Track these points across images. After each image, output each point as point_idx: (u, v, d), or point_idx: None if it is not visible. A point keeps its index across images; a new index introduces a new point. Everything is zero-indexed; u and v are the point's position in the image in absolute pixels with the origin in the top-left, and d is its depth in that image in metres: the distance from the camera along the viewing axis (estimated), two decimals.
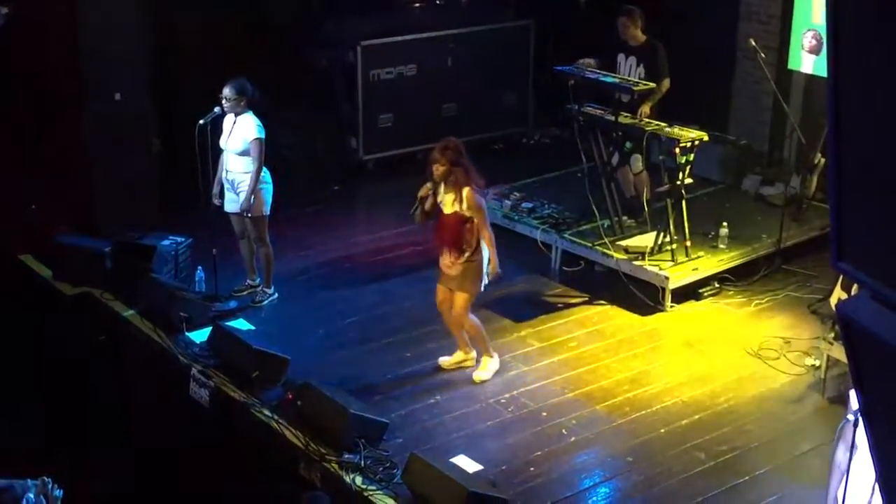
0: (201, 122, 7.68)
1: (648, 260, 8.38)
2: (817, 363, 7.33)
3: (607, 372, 7.43)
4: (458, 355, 7.40)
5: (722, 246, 8.76)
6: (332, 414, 6.46)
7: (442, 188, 6.95)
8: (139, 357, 7.71)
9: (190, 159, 7.81)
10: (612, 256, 8.51)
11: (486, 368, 7.28)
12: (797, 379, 7.40)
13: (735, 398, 7.16)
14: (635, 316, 8.21)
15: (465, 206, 6.86)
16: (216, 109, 7.77)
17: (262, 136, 7.76)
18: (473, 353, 7.36)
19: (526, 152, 11.79)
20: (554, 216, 9.24)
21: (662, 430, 6.79)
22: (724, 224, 8.81)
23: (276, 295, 8.29)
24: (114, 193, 9.04)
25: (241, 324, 7.82)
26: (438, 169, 6.89)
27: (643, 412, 6.98)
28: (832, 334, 7.03)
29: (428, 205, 6.99)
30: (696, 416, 6.94)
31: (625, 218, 9.03)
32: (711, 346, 7.81)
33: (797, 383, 7.36)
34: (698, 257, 8.55)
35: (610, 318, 8.21)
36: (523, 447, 6.57)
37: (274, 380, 7.02)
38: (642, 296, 8.31)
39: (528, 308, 8.25)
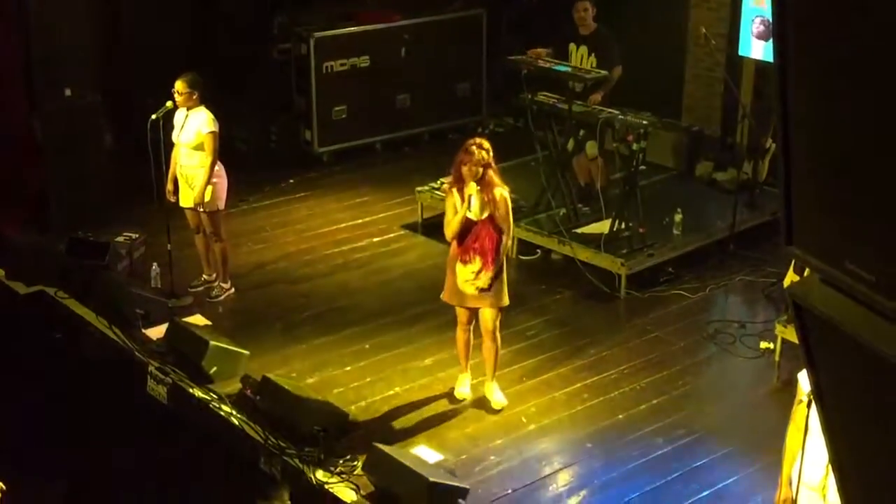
0: (153, 116, 7.62)
1: (604, 247, 8.42)
2: (771, 346, 7.41)
3: (565, 359, 7.47)
4: (466, 376, 6.94)
5: (676, 232, 8.82)
6: (291, 407, 6.44)
7: (470, 191, 6.38)
8: (95, 355, 7.64)
9: (143, 155, 7.75)
10: (568, 244, 8.54)
11: (498, 391, 6.86)
12: (752, 362, 7.48)
13: (692, 383, 7.22)
14: (592, 303, 8.25)
15: (499, 210, 6.41)
16: (168, 104, 7.71)
17: (216, 129, 7.70)
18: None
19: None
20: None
21: (621, 416, 6.84)
22: (679, 210, 8.87)
23: (233, 290, 8.24)
24: (66, 190, 8.94)
25: (198, 319, 7.77)
26: (472, 169, 6.33)
27: (602, 398, 7.02)
28: (785, 317, 7.11)
29: (463, 212, 6.40)
30: (654, 401, 6.99)
31: (580, 206, 9.07)
32: (668, 332, 7.87)
33: (752, 366, 7.44)
34: (653, 244, 8.60)
35: (567, 305, 8.25)
36: (483, 436, 6.59)
37: (232, 375, 6.99)
38: (599, 283, 8.35)
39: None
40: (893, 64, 1.93)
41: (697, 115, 10.73)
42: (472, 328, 6.76)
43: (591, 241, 8.55)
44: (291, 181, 10.63)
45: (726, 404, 7.00)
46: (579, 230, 8.77)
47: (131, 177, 8.71)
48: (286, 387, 6.61)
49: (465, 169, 6.37)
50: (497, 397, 6.82)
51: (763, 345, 7.56)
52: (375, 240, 9.45)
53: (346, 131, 11.11)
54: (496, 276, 6.51)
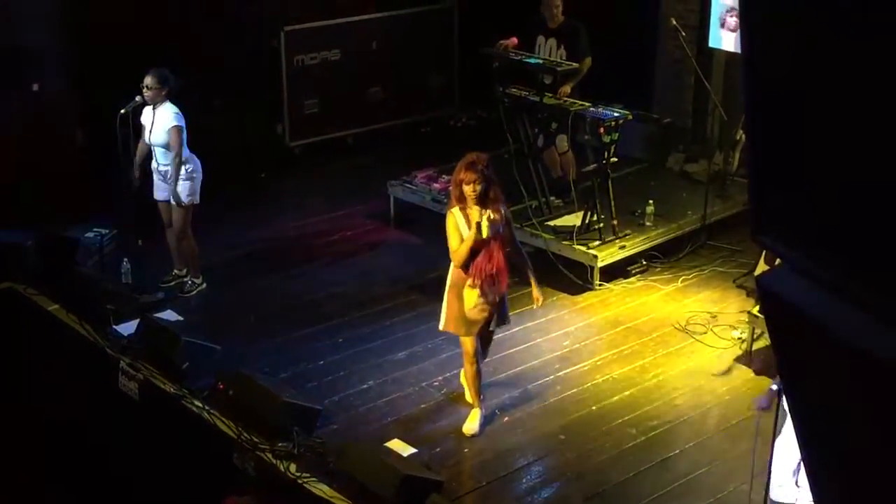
0: (122, 111, 7.56)
1: (576, 239, 8.42)
2: (743, 336, 7.44)
3: (538, 351, 7.47)
4: (478, 413, 6.51)
5: (648, 224, 8.84)
6: (264, 402, 6.40)
7: (476, 212, 6.06)
8: (66, 352, 7.57)
9: (114, 150, 7.68)
10: (540, 237, 8.54)
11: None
12: (724, 352, 7.51)
13: (664, 373, 7.24)
14: (565, 295, 8.26)
15: (504, 226, 6.14)
16: (137, 98, 7.65)
17: (180, 123, 7.65)
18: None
19: (453, 135, 11.78)
20: None
21: (594, 407, 6.85)
22: (650, 202, 8.89)
23: (205, 285, 8.19)
24: (35, 186, 8.84)
25: (169, 315, 7.72)
26: (476, 189, 5.97)
27: (574, 390, 7.03)
28: (757, 307, 7.14)
29: (471, 238, 6.03)
30: (627, 392, 7.01)
31: (552, 198, 9.07)
32: (640, 323, 7.89)
33: (724, 356, 7.47)
34: (625, 235, 8.62)
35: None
36: (456, 429, 6.58)
37: (204, 370, 6.94)
38: (571, 275, 8.36)
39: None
40: (862, 53, 1.93)
41: (668, 106, 10.74)
42: (480, 360, 6.37)
43: (564, 233, 8.56)
44: (263, 175, 10.58)
45: (698, 394, 7.02)
46: (551, 222, 8.77)
47: (102, 172, 8.63)
48: (259, 381, 6.57)
49: (467, 189, 5.99)
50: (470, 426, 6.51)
51: (735, 335, 7.59)
52: (348, 233, 9.42)
53: (318, 125, 11.07)
54: (504, 299, 6.31)
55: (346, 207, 9.91)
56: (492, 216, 6.10)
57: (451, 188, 6.24)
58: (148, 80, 7.60)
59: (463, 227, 6.13)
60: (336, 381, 7.11)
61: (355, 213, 9.83)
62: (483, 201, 6.06)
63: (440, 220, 8.34)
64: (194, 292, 8.13)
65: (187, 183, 7.79)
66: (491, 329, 6.40)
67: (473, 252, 6.14)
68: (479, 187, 6.00)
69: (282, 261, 8.85)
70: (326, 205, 9.97)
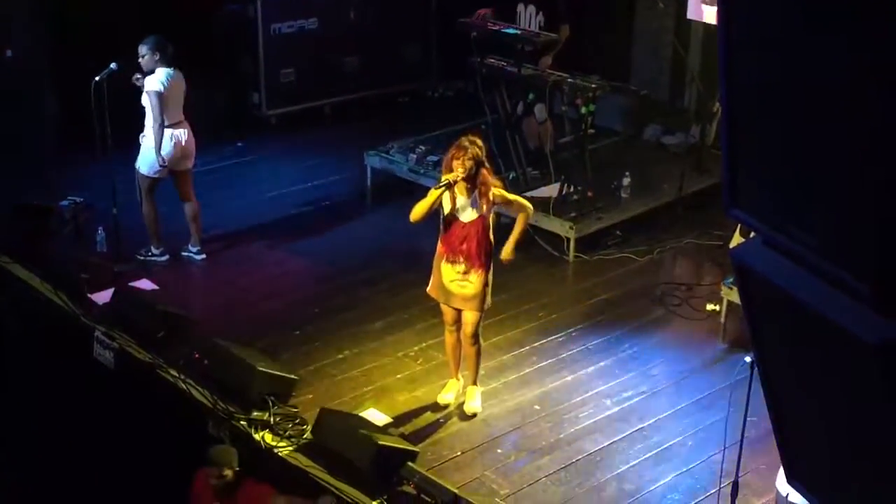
0: (97, 78, 7.52)
1: (553, 210, 8.44)
2: (717, 308, 7.50)
3: (514, 322, 7.50)
4: (455, 384, 6.60)
5: (624, 195, 8.87)
6: (239, 372, 6.41)
7: (460, 191, 6.09)
8: (41, 320, 7.54)
9: (89, 117, 7.63)
10: None
11: (477, 397, 6.57)
12: (699, 324, 7.56)
13: (639, 344, 7.30)
14: (541, 266, 8.28)
15: (489, 209, 6.11)
16: (112, 65, 7.61)
17: (159, 88, 7.61)
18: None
19: (430, 105, 11.75)
20: None
21: (569, 378, 6.89)
22: (627, 174, 8.91)
23: (166, 258, 8.13)
24: (7, 153, 8.77)
25: (145, 284, 7.70)
26: (466, 164, 5.99)
27: (550, 360, 7.07)
28: (731, 280, 7.19)
29: (442, 200, 6.04)
30: (602, 363, 7.06)
31: (529, 169, 9.07)
32: (616, 294, 7.93)
33: (699, 328, 7.53)
34: (602, 207, 8.64)
35: (516, 268, 8.23)
36: (431, 398, 6.61)
37: (180, 340, 6.94)
38: (547, 246, 8.39)
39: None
40: (837, 26, 1.94)
41: (646, 78, 10.76)
42: (459, 329, 6.38)
43: (540, 204, 8.56)
44: (240, 144, 10.53)
45: (673, 365, 7.08)
46: (528, 194, 8.75)
47: (78, 139, 8.57)
48: (234, 351, 6.58)
49: (456, 164, 6.02)
50: (473, 404, 6.49)
51: (709, 307, 7.64)
52: (324, 203, 9.40)
53: (295, 94, 11.01)
54: (484, 284, 6.20)
55: (322, 177, 9.87)
56: (463, 201, 6.09)
57: (443, 169, 6.24)
58: (140, 49, 7.62)
59: (446, 202, 6.13)
60: (311, 350, 7.12)
61: (332, 182, 9.81)
62: (472, 182, 6.06)
63: (417, 190, 8.37)
64: (143, 259, 8.07)
65: (154, 153, 7.73)
66: (472, 311, 6.27)
67: (450, 227, 6.17)
68: (467, 164, 6.00)
69: (257, 231, 8.83)
70: (303, 175, 9.94)
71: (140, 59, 7.65)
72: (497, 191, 6.14)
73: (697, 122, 9.69)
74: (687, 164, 9.04)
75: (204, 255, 8.23)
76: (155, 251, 8.11)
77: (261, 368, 6.37)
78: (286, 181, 9.76)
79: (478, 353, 6.47)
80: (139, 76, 7.71)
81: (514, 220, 6.40)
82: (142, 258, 8.05)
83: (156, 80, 7.63)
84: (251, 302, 7.70)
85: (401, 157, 9.48)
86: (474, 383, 6.55)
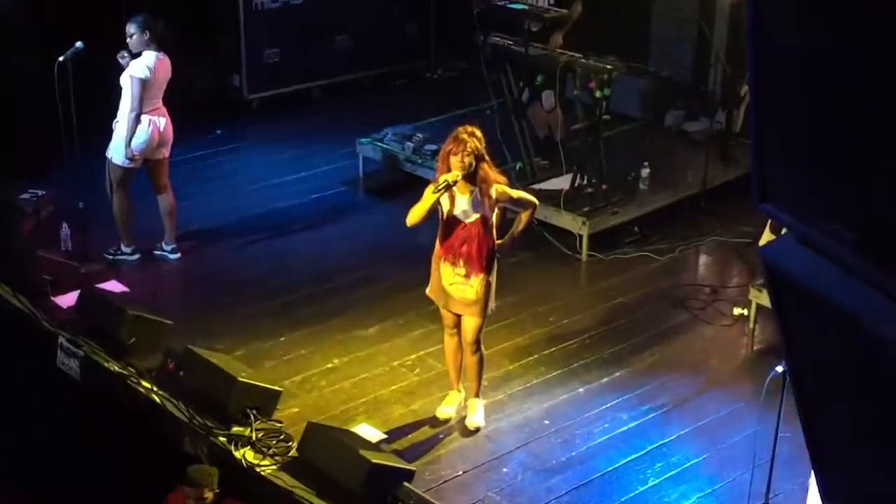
0: (60, 59, 7.53)
1: (564, 205, 8.44)
2: (745, 312, 7.50)
3: (521, 328, 7.50)
4: (456, 396, 6.62)
5: (643, 188, 8.87)
6: (218, 383, 6.41)
7: (459, 190, 6.06)
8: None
9: (52, 101, 7.64)
10: None
11: (480, 411, 6.56)
12: (725, 330, 7.57)
13: (659, 353, 7.29)
14: (551, 266, 8.29)
15: (491, 208, 6.09)
16: (77, 44, 7.62)
17: (144, 75, 7.60)
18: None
19: (429, 88, 11.75)
20: None
21: (581, 390, 6.90)
22: (645, 164, 8.92)
23: (137, 256, 8.15)
24: None
25: (114, 286, 7.70)
26: (465, 160, 5.98)
27: (560, 371, 7.07)
28: (760, 281, 7.19)
29: (441, 200, 6.04)
30: (617, 374, 7.05)
31: (538, 159, 9.08)
32: (633, 297, 7.93)
33: (725, 334, 7.53)
34: (618, 201, 8.64)
35: (523, 269, 8.27)
36: (430, 412, 6.61)
37: (152, 347, 6.94)
38: (558, 244, 8.39)
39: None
40: (872, 8, 1.94)
41: (667, 59, 10.74)
42: (459, 335, 6.39)
43: (550, 198, 8.57)
44: (218, 132, 10.53)
45: (696, 376, 7.08)
46: (537, 186, 8.78)
47: (39, 127, 8.57)
48: (213, 360, 6.58)
49: (454, 160, 5.99)
50: (475, 418, 6.49)
51: (737, 311, 7.64)
52: (312, 197, 9.40)
53: (279, 76, 11.01)
54: (486, 287, 6.20)
55: (310, 168, 9.88)
56: (463, 200, 6.07)
57: (438, 162, 6.24)
58: (128, 27, 7.64)
59: (444, 202, 6.12)
60: (297, 359, 7.12)
61: (320, 174, 9.80)
62: (472, 179, 6.05)
63: (415, 182, 8.39)
64: (112, 258, 8.09)
65: (127, 141, 7.73)
66: (473, 316, 6.27)
67: (449, 227, 6.17)
68: (467, 159, 5.99)
69: (239, 228, 8.83)
70: (288, 165, 9.93)
71: (128, 39, 7.65)
72: (500, 188, 6.12)
73: (723, 107, 9.69)
74: (712, 153, 9.04)
75: (179, 254, 8.23)
76: (125, 250, 8.11)
77: (242, 379, 6.37)
78: (270, 172, 9.76)
79: (480, 363, 6.46)
80: (125, 54, 7.69)
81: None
82: (111, 257, 8.06)
83: (142, 65, 7.63)
84: (231, 306, 7.70)
85: (397, 145, 9.48)
86: (476, 395, 6.55)
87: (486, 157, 6.13)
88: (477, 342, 6.38)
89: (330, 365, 7.08)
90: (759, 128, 2.35)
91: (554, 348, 7.31)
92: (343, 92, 11.41)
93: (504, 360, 7.15)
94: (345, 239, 8.72)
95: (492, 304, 6.33)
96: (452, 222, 6.16)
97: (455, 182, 5.99)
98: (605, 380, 7.00)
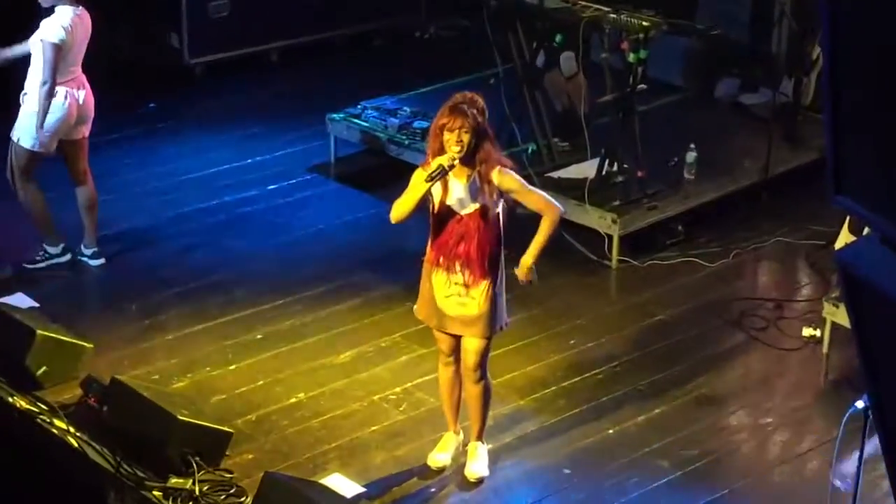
0: None
1: (589, 198, 8.46)
2: (818, 333, 7.51)
3: (535, 353, 7.51)
4: (453, 439, 6.60)
5: (689, 176, 8.89)
6: (152, 422, 6.41)
7: (455, 173, 6.04)
8: None
9: None
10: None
11: (483, 458, 6.53)
12: (792, 355, 7.58)
13: (708, 384, 7.30)
14: (573, 275, 8.31)
15: (494, 196, 6.06)
16: None
17: (60, 38, 7.61)
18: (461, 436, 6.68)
19: (419, 51, 11.77)
20: None
21: (611, 431, 6.91)
22: (692, 146, 8.93)
23: (68, 257, 8.17)
24: None
25: (20, 300, 7.71)
26: (463, 137, 5.96)
27: (585, 406, 7.07)
28: (837, 293, 7.20)
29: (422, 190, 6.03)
30: (657, 411, 7.06)
31: (556, 140, 9.09)
32: (676, 314, 7.95)
33: (792, 361, 7.55)
34: (656, 192, 8.66)
35: (540, 278, 8.26)
36: (422, 460, 6.62)
37: (69, 377, 6.94)
38: (581, 247, 8.40)
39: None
40: None
41: (718, 14, 10.75)
42: (458, 363, 6.38)
43: (571, 189, 8.58)
44: (151, 106, 10.53)
45: (754, 413, 7.09)
46: (555, 174, 8.79)
47: None
48: (145, 394, 6.58)
49: (449, 137, 5.96)
50: (476, 467, 6.47)
51: (806, 331, 7.65)
52: (270, 188, 9.41)
53: (230, 35, 11.02)
54: (492, 299, 6.16)
55: (267, 151, 9.89)
56: (458, 186, 6.07)
57: (428, 139, 6.21)
58: None
59: (436, 189, 6.08)
60: (252, 392, 7.12)
61: (280, 159, 9.81)
62: (470, 160, 6.07)
63: (400, 169, 8.38)
64: (43, 265, 8.12)
65: (38, 119, 7.75)
66: (476, 337, 6.26)
67: (441, 221, 6.15)
68: (465, 137, 5.96)
69: (177, 225, 8.84)
70: (240, 147, 9.94)
71: None
72: (500, 175, 6.04)
73: (790, 75, 9.71)
74: (775, 132, 9.05)
75: (102, 260, 8.24)
76: (52, 250, 8.14)
77: (182, 418, 6.37)
78: (217, 156, 9.77)
79: (484, 396, 6.45)
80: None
81: (534, 213, 6.36)
82: (40, 263, 8.07)
83: (55, 26, 7.64)
84: (168, 324, 7.71)
85: (377, 122, 9.49)
86: (479, 438, 6.57)
87: (490, 134, 6.11)
88: (480, 370, 6.37)
89: (294, 399, 7.08)
90: (835, 101, 2.37)
91: (576, 379, 7.32)
92: (310, 55, 11.41)
93: (513, 393, 7.16)
94: (311, 241, 8.74)
95: (504, 320, 6.32)
96: (445, 215, 6.13)
97: (451, 166, 5.99)
98: (640, 418, 7.01)
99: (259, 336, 7.63)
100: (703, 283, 8.30)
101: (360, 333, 7.65)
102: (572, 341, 7.66)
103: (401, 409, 7.05)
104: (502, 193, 6.12)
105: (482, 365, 6.36)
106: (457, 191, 6.09)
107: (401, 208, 6.11)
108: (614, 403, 7.12)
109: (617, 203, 8.49)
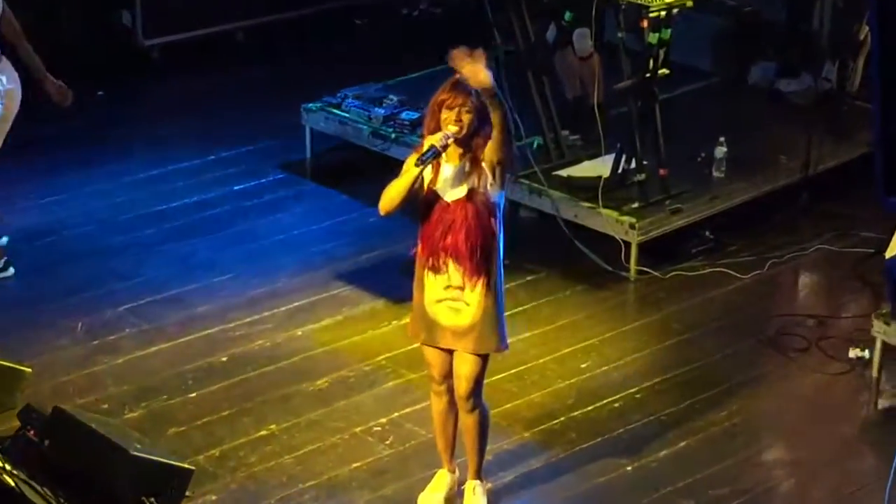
0: None
1: (604, 199, 8.47)
2: (866, 354, 7.52)
3: (541, 378, 7.52)
4: (446, 478, 6.60)
5: (718, 174, 8.91)
6: (100, 458, 6.40)
7: (447, 155, 6.02)
8: None
9: None
10: (545, 194, 8.58)
11: (482, 498, 6.53)
12: (836, 380, 7.59)
13: (741, 413, 7.30)
14: (585, 287, 8.33)
15: (483, 181, 6.00)
16: None
17: None
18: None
19: (406, 30, 11.80)
20: None
21: (629, 468, 6.90)
22: (721, 140, 8.94)
23: (12, 271, 8.18)
24: None
25: None
26: (462, 118, 5.97)
27: (598, 439, 7.07)
28: (888, 309, 7.21)
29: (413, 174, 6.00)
30: (682, 444, 7.06)
31: (565, 133, 9.09)
32: (703, 333, 7.96)
33: (837, 386, 7.55)
34: (681, 193, 8.68)
35: (544, 291, 8.28)
36: (410, 501, 6.62)
37: (5, 406, 6.94)
38: (594, 256, 8.41)
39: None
40: None
41: None
42: (451, 391, 6.34)
43: (583, 189, 8.58)
44: (100, 94, 10.53)
45: (795, 447, 7.10)
46: (564, 172, 8.80)
47: None
48: (92, 425, 6.57)
49: (447, 116, 5.96)
50: None
51: (853, 352, 7.66)
52: (237, 188, 9.41)
53: (190, 13, 11.04)
54: (490, 304, 6.10)
55: (232, 146, 9.91)
56: (449, 169, 6.03)
57: (426, 120, 6.18)
58: None
59: (427, 171, 6.03)
60: (216, 423, 7.12)
61: (248, 155, 9.81)
62: (467, 142, 6.03)
63: (385, 167, 8.38)
64: None
65: None
66: (471, 352, 6.21)
67: (428, 209, 6.08)
68: (466, 117, 5.93)
69: (128, 231, 8.85)
70: (201, 141, 9.94)
71: None
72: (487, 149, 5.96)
73: (833, 58, 9.72)
74: (817, 123, 9.06)
75: (11, 272, 8.24)
76: None
77: (135, 453, 6.36)
78: (176, 152, 9.78)
79: (481, 427, 6.41)
80: None
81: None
82: None
83: None
84: (119, 346, 7.71)
85: (359, 112, 9.49)
86: (477, 476, 6.56)
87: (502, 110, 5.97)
88: (474, 397, 6.32)
89: (264, 432, 7.08)
90: (885, 88, 2.38)
91: (589, 408, 7.32)
92: (281, 36, 11.42)
93: (517, 424, 7.16)
94: (284, 249, 8.75)
95: (504, 342, 6.23)
96: (433, 201, 6.08)
97: (445, 146, 5.95)
98: (662, 453, 7.01)
99: (224, 359, 7.63)
100: (735, 298, 8.32)
101: (339, 355, 7.65)
102: (583, 365, 7.67)
103: (387, 442, 7.04)
104: (496, 178, 6.01)
105: (478, 390, 6.30)
106: (446, 174, 6.06)
107: (390, 196, 6.05)
108: (632, 436, 7.12)
109: (635, 205, 8.50)
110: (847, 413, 7.39)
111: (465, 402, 6.30)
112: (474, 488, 6.52)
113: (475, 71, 5.75)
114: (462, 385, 6.24)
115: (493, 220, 6.04)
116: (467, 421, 6.37)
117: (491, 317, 6.11)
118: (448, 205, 6.01)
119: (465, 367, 6.21)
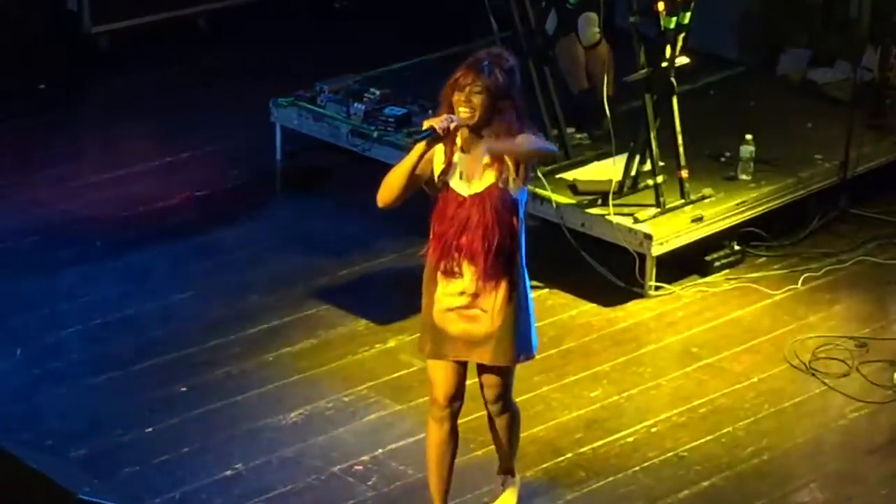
0: None
1: (615, 205, 8.46)
2: None
3: (546, 408, 7.51)
4: None
5: (744, 177, 8.90)
6: (43, 500, 6.39)
7: (462, 142, 6.07)
8: None
9: None
10: (548, 200, 8.57)
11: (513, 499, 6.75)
12: (881, 409, 7.58)
13: (773, 445, 7.30)
14: (593, 306, 8.32)
15: (505, 176, 6.01)
16: None
17: None
18: None
19: (390, 15, 11.79)
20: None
21: None
22: (748, 137, 8.93)
23: None
24: None
25: None
26: (473, 99, 6.01)
27: (612, 477, 7.06)
28: None
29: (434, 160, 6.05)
30: (705, 483, 7.05)
31: (571, 130, 9.09)
32: (731, 356, 7.95)
33: (880, 416, 7.54)
34: (703, 198, 8.67)
35: (550, 310, 8.27)
36: None
37: None
38: (604, 270, 8.40)
39: (404, 295, 8.21)
40: None
41: None
42: (454, 417, 6.35)
43: (592, 194, 8.58)
44: (41, 87, 10.52)
45: (833, 482, 7.08)
46: (570, 174, 8.79)
47: None
48: (33, 465, 6.55)
49: (458, 96, 5.96)
50: None
51: None
52: (198, 194, 9.40)
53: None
54: (511, 313, 6.13)
55: (190, 146, 9.91)
56: (467, 159, 6.02)
57: (441, 99, 6.16)
58: None
59: (437, 161, 6.05)
60: (176, 462, 7.09)
61: (210, 155, 9.81)
62: (478, 131, 5.97)
63: (366, 170, 8.37)
64: None
65: None
66: (488, 363, 6.21)
67: (442, 206, 6.05)
68: (476, 99, 5.91)
69: (75, 243, 8.84)
70: (158, 142, 9.93)
71: None
72: (526, 141, 5.97)
73: (874, 44, 9.72)
74: (856, 117, 9.05)
75: None
76: None
77: (83, 496, 6.35)
78: (129, 154, 9.77)
79: (513, 423, 6.49)
80: None
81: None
82: None
83: None
84: (65, 374, 7.69)
85: (337, 108, 9.48)
86: (510, 472, 6.64)
87: (517, 103, 5.99)
88: (506, 399, 6.36)
89: (229, 472, 7.05)
90: None
91: (599, 443, 7.30)
92: (248, 22, 11.42)
93: (517, 462, 7.12)
94: (252, 263, 8.73)
95: (532, 348, 6.27)
96: (446, 196, 6.06)
97: (447, 130, 5.92)
98: (683, 494, 6.99)
99: (183, 389, 7.61)
100: (764, 317, 8.31)
101: (315, 384, 7.63)
102: (593, 394, 7.66)
103: (369, 483, 7.02)
104: (521, 175, 6.00)
105: (506, 396, 6.36)
106: (461, 166, 6.04)
107: (388, 183, 6.04)
108: (647, 474, 7.11)
109: (651, 212, 8.48)
110: (892, 446, 7.37)
111: (494, 406, 6.38)
112: (508, 486, 6.69)
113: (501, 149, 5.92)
114: (489, 392, 6.33)
115: (514, 218, 6.04)
116: (499, 422, 6.45)
117: (511, 326, 6.11)
118: (464, 200, 6.00)
119: (489, 377, 6.27)
